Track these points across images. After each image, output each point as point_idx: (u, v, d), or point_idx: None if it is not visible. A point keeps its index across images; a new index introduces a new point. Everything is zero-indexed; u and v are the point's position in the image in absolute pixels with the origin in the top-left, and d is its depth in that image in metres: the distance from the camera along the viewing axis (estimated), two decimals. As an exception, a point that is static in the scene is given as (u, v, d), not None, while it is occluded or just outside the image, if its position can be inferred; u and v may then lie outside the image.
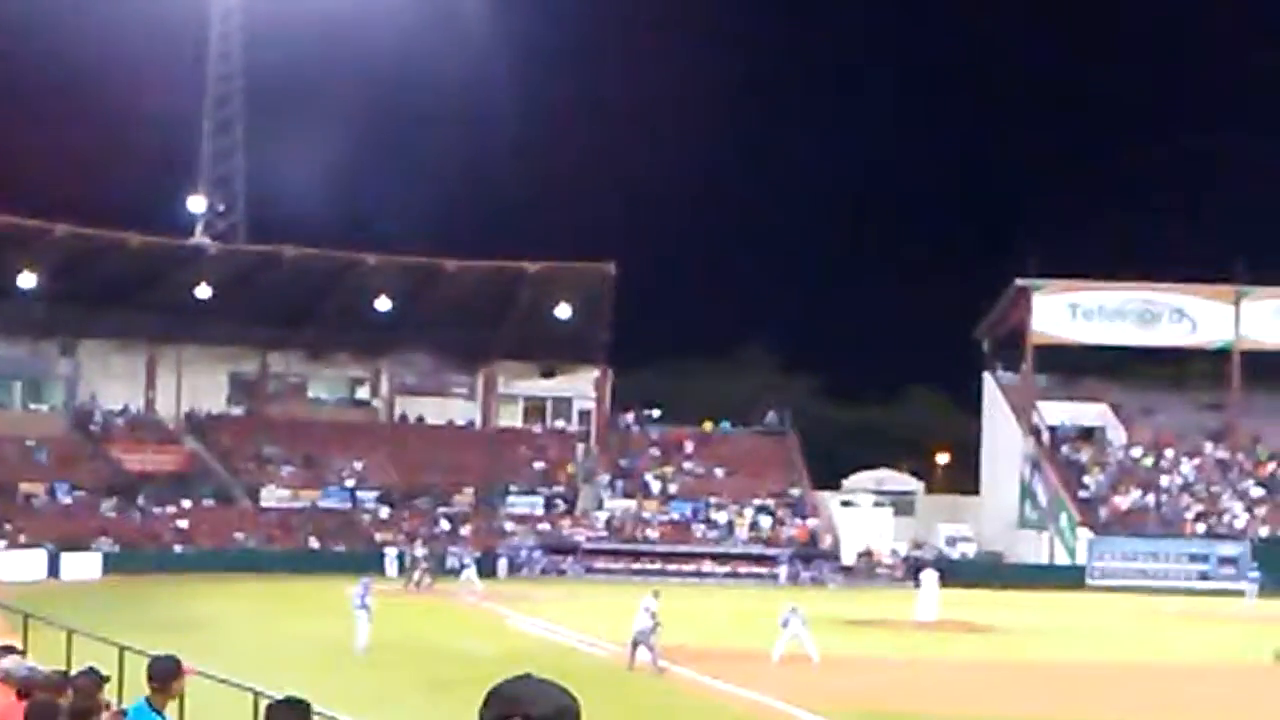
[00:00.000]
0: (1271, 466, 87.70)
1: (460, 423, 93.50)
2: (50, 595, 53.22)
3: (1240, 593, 71.80)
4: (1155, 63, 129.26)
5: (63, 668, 13.64)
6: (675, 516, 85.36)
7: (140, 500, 79.17)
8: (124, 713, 10.83)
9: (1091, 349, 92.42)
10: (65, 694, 10.81)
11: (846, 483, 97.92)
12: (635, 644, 37.44)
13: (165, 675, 10.50)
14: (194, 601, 55.76)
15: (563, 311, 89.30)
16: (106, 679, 11.51)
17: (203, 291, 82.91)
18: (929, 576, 57.37)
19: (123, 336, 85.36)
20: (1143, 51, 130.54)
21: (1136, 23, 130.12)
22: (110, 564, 70.15)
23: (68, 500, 77.98)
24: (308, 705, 8.32)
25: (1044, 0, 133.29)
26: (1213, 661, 44.55)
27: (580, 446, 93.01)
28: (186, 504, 79.67)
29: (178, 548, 75.72)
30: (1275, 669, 41.94)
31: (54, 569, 68.42)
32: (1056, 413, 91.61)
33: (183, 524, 77.90)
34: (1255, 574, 73.77)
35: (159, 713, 10.45)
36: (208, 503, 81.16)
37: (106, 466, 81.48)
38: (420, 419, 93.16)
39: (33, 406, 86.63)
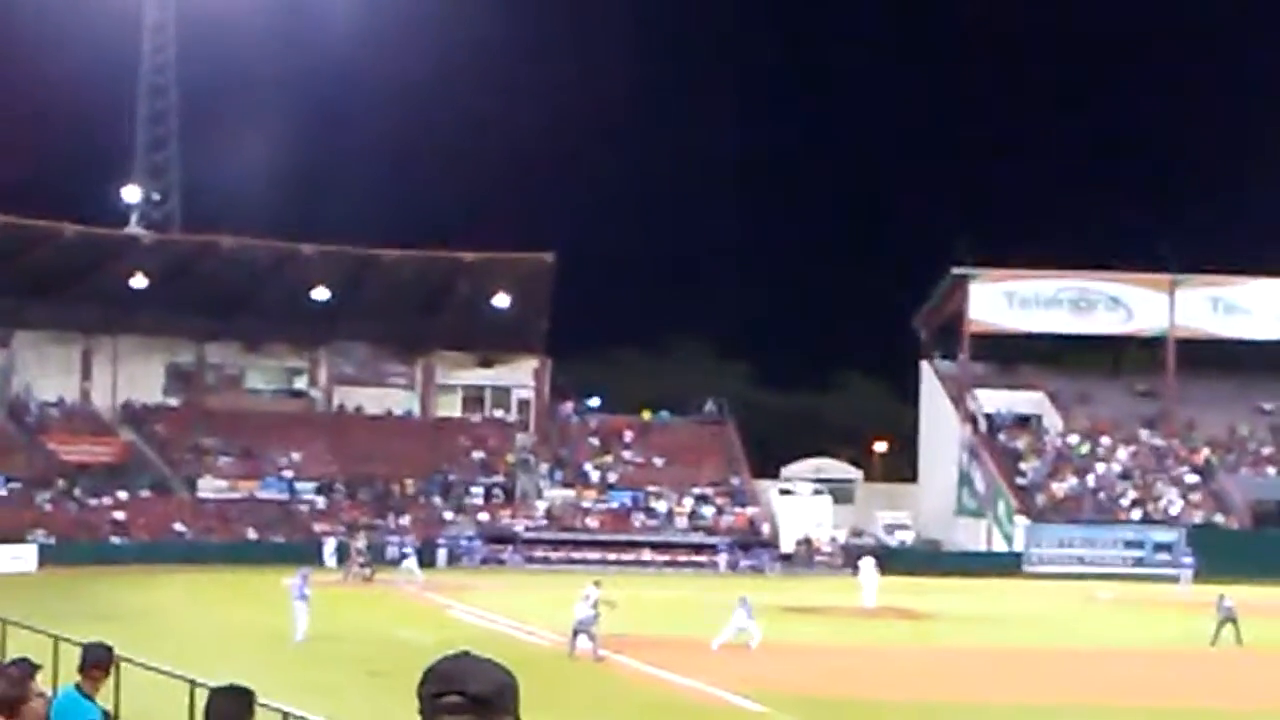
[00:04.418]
0: (1206, 453, 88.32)
1: (399, 413, 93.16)
2: (-16, 588, 52.74)
3: (1175, 579, 72.28)
4: (1090, 47, 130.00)
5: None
6: (614, 505, 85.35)
7: (76, 492, 78.51)
8: (51, 700, 10.73)
9: (1028, 337, 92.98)
10: (-3, 684, 10.70)
11: (785, 471, 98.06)
12: (576, 632, 37.56)
13: (96, 662, 10.44)
14: (131, 593, 55.40)
15: (501, 301, 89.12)
16: (39, 668, 11.41)
17: (138, 282, 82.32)
18: (867, 564, 57.62)
19: (58, 327, 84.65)
20: (1078, 36, 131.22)
21: (1075, 5, 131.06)
22: (46, 556, 69.51)
23: (2, 492, 77.19)
24: (251, 693, 8.21)
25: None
26: (1147, 646, 44.91)
27: (519, 436, 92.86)
28: (123, 495, 79.05)
29: (115, 539, 75.14)
30: (1207, 654, 42.32)
31: (-12, 562, 67.87)
32: (994, 400, 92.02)
33: (119, 515, 77.31)
34: (1189, 560, 74.24)
35: (89, 699, 10.37)
36: (145, 494, 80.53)
37: (42, 458, 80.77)
38: (359, 409, 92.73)
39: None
